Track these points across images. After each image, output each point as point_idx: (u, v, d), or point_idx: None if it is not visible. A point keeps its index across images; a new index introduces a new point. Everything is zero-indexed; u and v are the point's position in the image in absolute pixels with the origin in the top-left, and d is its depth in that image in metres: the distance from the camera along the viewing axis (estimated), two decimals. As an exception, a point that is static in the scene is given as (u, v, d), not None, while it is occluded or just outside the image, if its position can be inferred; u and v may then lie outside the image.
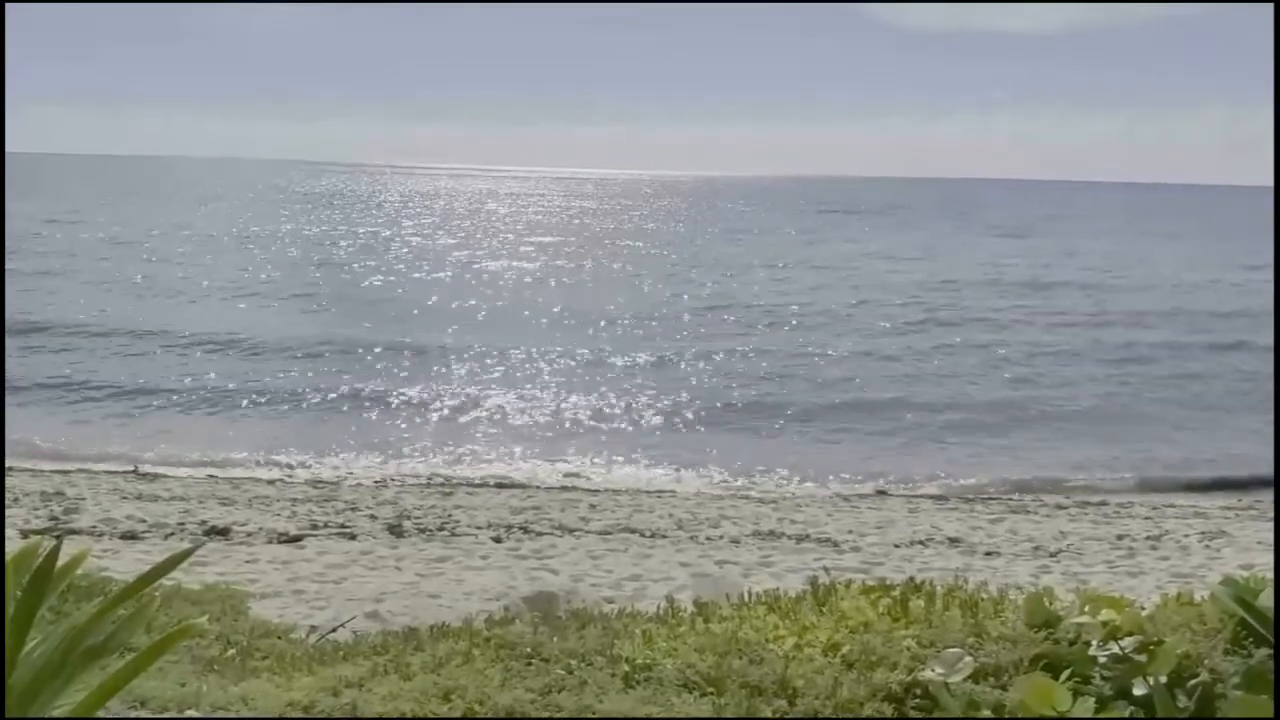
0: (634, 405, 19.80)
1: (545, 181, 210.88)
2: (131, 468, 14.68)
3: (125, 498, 12.80)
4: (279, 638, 5.04)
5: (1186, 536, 12.29)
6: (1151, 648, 3.11)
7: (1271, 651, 3.08)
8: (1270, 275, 34.30)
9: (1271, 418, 16.53)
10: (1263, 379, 22.46)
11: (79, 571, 3.10)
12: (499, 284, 38.84)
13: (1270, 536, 11.95)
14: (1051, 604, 3.64)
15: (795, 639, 3.57)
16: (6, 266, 30.77)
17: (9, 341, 20.34)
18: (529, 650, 3.59)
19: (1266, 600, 3.30)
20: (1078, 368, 24.39)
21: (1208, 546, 11.81)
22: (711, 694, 3.21)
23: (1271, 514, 13.50)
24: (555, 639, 3.70)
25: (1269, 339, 27.13)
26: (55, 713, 2.15)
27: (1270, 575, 3.53)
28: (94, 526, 11.36)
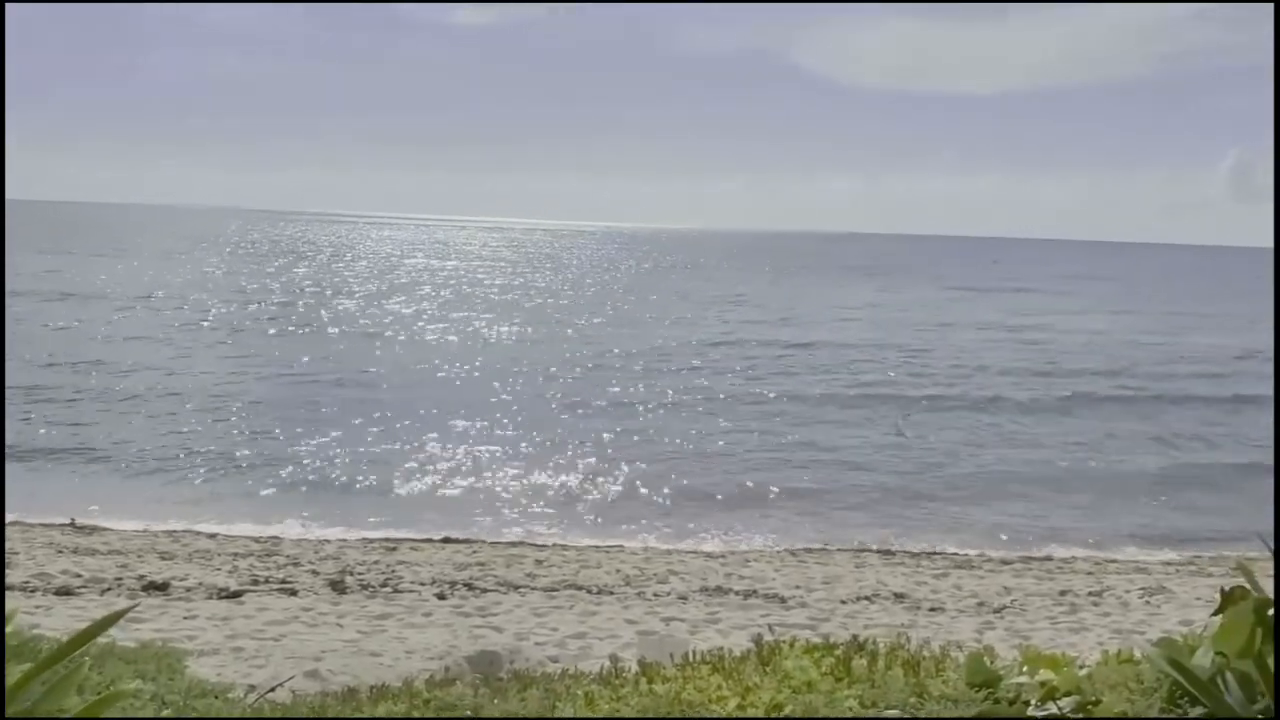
0: (584, 459, 19.74)
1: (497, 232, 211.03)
2: (69, 520, 14.38)
3: (61, 551, 12.54)
4: (215, 697, 4.92)
5: (1128, 592, 12.44)
6: (1089, 707, 3.14)
7: (1206, 711, 3.11)
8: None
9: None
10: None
11: (8, 630, 3.02)
12: (448, 338, 38.75)
13: (1208, 593, 12.11)
14: (992, 663, 3.65)
15: (738, 699, 3.56)
16: None
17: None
18: (469, 712, 3.54)
19: (1201, 659, 3.35)
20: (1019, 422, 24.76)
21: (1148, 603, 11.96)
22: (653, 756, 3.18)
23: (1210, 570, 13.71)
24: (496, 701, 3.66)
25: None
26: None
27: (1206, 634, 3.58)
28: (26, 582, 11.10)
